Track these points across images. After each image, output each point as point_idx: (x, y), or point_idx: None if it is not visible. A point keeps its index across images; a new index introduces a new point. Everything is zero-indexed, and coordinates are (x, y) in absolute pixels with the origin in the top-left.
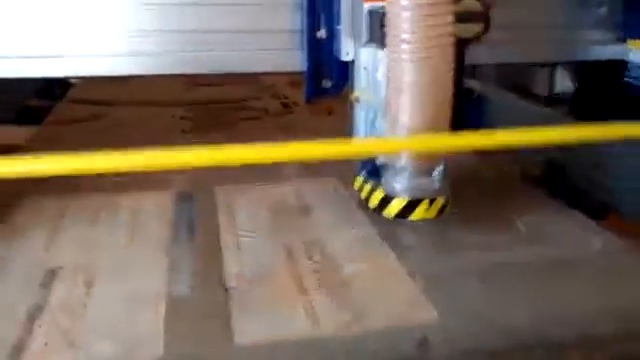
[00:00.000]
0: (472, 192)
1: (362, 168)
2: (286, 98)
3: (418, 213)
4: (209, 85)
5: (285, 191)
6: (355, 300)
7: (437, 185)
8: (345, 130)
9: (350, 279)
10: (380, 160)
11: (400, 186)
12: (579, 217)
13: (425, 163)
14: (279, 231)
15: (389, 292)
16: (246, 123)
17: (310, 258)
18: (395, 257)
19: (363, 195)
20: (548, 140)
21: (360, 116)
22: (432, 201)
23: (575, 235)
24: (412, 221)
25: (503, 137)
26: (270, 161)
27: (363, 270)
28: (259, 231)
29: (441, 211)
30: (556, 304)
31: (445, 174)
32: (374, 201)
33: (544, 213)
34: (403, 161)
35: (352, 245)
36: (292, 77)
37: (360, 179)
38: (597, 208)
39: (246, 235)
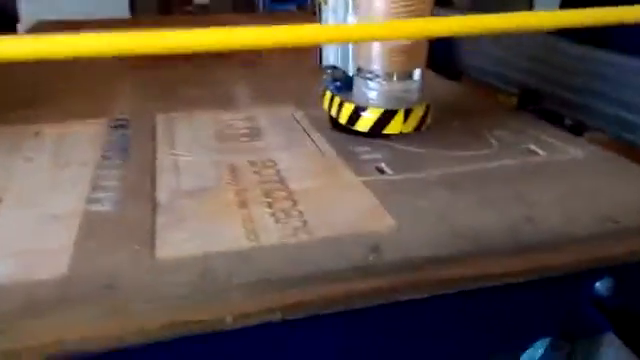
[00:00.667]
0: (447, 113)
1: (331, 83)
2: None
3: (394, 126)
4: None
5: (235, 116)
6: (303, 212)
7: (415, 93)
8: None
9: (300, 192)
10: (351, 69)
11: (374, 94)
12: (558, 131)
13: (402, 66)
14: (224, 152)
15: (342, 203)
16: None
17: (257, 173)
18: (352, 172)
19: (333, 111)
20: (540, 24)
21: (328, 19)
22: (409, 112)
23: (554, 146)
24: (386, 135)
25: (490, 21)
26: (239, 46)
27: (315, 184)
28: (202, 153)
29: (420, 125)
30: (529, 208)
31: (423, 82)
32: (345, 115)
33: (521, 129)
34: (377, 64)
35: (305, 162)
36: None
37: (329, 94)
38: (572, 126)
39: (186, 155)
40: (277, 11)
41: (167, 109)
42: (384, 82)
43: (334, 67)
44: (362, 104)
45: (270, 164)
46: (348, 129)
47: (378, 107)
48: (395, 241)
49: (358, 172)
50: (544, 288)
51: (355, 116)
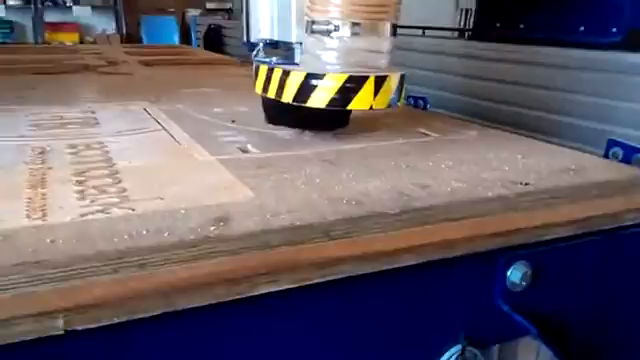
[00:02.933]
0: None
1: (266, 58)
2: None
3: (362, 99)
4: None
5: (71, 110)
6: (127, 188)
7: (386, 55)
8: None
9: (129, 170)
10: (295, 36)
11: (332, 55)
12: (448, 119)
13: (369, 15)
14: (39, 137)
15: (184, 180)
16: None
17: (74, 155)
18: (207, 152)
19: (271, 91)
20: None
21: None
22: (382, 81)
23: (446, 129)
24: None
25: None
26: None
27: (152, 163)
28: (4, 139)
29: (395, 100)
30: (424, 175)
31: (393, 42)
32: (291, 90)
33: (412, 118)
34: (336, 12)
35: (147, 145)
36: None
37: (264, 69)
38: None
39: None
40: None
41: None
42: (346, 37)
43: (268, 42)
44: (316, 70)
45: (97, 147)
46: (290, 115)
47: (337, 75)
48: (250, 211)
49: (214, 152)
50: (446, 277)
51: (307, 89)
